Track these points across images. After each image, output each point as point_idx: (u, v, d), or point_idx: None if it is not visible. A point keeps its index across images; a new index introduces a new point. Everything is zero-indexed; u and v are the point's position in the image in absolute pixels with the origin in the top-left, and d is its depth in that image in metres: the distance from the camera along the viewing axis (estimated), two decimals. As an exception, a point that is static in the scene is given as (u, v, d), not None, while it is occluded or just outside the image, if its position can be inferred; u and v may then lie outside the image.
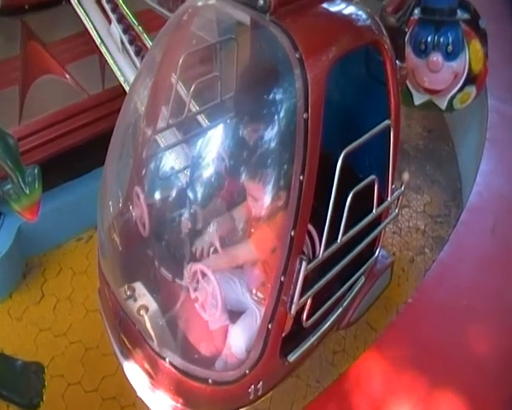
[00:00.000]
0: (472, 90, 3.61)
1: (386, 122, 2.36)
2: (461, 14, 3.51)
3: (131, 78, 3.44)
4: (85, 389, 3.11)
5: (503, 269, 2.99)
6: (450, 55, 3.45)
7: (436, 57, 3.42)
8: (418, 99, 3.66)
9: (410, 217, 4.22)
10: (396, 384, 2.45)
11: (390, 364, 2.52)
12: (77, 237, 4.05)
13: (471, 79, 3.54)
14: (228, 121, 2.74)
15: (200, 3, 2.48)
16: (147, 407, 2.50)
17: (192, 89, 2.70)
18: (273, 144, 2.33)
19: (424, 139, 4.99)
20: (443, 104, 3.64)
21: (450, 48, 3.43)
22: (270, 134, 2.35)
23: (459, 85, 3.53)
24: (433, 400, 2.38)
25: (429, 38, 3.45)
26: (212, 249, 2.40)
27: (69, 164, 3.93)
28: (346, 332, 3.30)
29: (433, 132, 5.07)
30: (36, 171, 2.27)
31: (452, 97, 3.59)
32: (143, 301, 2.42)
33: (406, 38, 3.45)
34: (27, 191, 2.24)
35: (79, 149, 3.94)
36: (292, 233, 2.01)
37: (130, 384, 2.50)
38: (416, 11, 3.52)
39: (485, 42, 3.56)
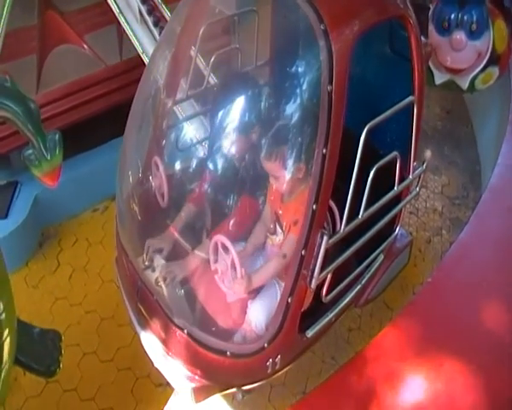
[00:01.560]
0: (495, 71, 3.57)
1: (410, 98, 2.32)
2: (486, -8, 3.46)
3: (150, 48, 3.40)
4: (101, 359, 3.14)
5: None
6: (473, 34, 3.40)
7: (459, 35, 3.38)
8: (439, 78, 3.62)
9: (428, 197, 4.19)
10: (413, 363, 2.43)
11: (408, 342, 2.50)
12: (93, 207, 4.06)
13: (494, 59, 3.50)
14: (249, 93, 2.70)
15: (221, -26, 2.44)
16: (162, 378, 2.51)
17: (212, 60, 2.67)
18: (296, 117, 2.30)
19: (443, 120, 4.93)
20: (464, 84, 3.59)
21: (474, 26, 3.38)
22: (293, 106, 2.33)
23: (482, 65, 3.49)
24: (450, 378, 2.36)
25: (453, 16, 3.40)
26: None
27: (86, 134, 3.91)
28: (361, 311, 3.30)
29: (452, 113, 5.01)
30: (57, 137, 2.24)
31: (474, 77, 3.55)
32: (161, 271, 2.41)
33: (429, 16, 3.41)
34: (48, 157, 2.22)
35: (96, 119, 3.95)
36: (314, 207, 2.00)
37: (146, 356, 2.51)
38: (439, -13, 3.48)
39: (510, 21, 3.51)
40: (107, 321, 3.33)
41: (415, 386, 2.35)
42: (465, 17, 3.36)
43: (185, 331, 2.24)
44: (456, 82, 3.60)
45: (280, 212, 2.37)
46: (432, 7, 3.45)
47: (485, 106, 4.53)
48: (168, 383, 2.70)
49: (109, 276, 3.48)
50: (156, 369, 2.50)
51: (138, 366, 3.04)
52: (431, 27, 3.42)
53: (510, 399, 2.33)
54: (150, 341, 2.42)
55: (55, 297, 3.46)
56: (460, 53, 3.41)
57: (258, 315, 2.30)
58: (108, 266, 3.49)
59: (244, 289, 2.22)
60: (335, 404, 2.34)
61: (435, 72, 3.59)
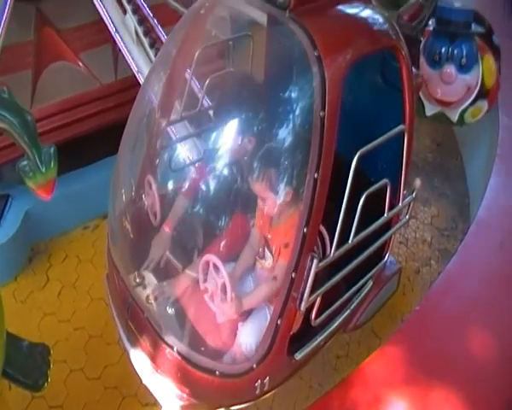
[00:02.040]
0: (484, 105, 3.61)
1: (401, 127, 2.36)
2: (475, 28, 3.53)
3: (145, 69, 3.45)
4: (88, 377, 3.11)
5: (507, 282, 2.99)
6: (463, 68, 3.45)
7: (450, 69, 3.42)
8: (430, 110, 3.66)
9: (417, 228, 4.23)
10: (399, 390, 2.45)
11: (394, 369, 2.53)
12: (83, 225, 4.06)
13: (483, 93, 3.54)
14: (242, 117, 2.74)
15: (218, -2, 2.48)
16: (149, 397, 2.50)
17: (206, 83, 2.70)
18: (287, 141, 2.34)
19: (433, 152, 5.00)
20: (454, 117, 3.64)
21: (463, 61, 3.44)
22: (285, 130, 2.36)
23: (471, 99, 3.53)
24: (436, 406, 2.38)
25: (443, 50, 3.46)
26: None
27: (79, 152, 3.92)
28: (349, 338, 3.31)
29: (442, 146, 5.09)
30: (52, 150, 2.25)
31: (464, 111, 3.60)
32: (152, 289, 2.44)
33: (420, 48, 3.46)
34: (43, 169, 2.22)
35: (90, 137, 3.96)
36: (304, 230, 2.02)
37: (133, 375, 2.50)
38: (431, 22, 3.54)
39: (498, 57, 3.57)
40: (95, 339, 3.31)
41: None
42: (455, 51, 3.41)
43: (175, 349, 2.24)
44: (447, 114, 3.64)
45: (269, 236, 2.39)
46: (423, 40, 3.51)
47: (474, 139, 4.60)
48: (155, 403, 2.69)
49: (98, 294, 3.47)
50: (143, 388, 2.50)
51: (125, 384, 3.02)
52: (422, 60, 3.46)
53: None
54: (139, 358, 2.42)
55: (43, 313, 3.44)
56: (450, 86, 3.45)
57: (249, 338, 2.31)
58: (98, 284, 3.49)
59: (234, 312, 2.24)
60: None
61: (426, 103, 3.63)
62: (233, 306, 2.21)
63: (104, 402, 3.01)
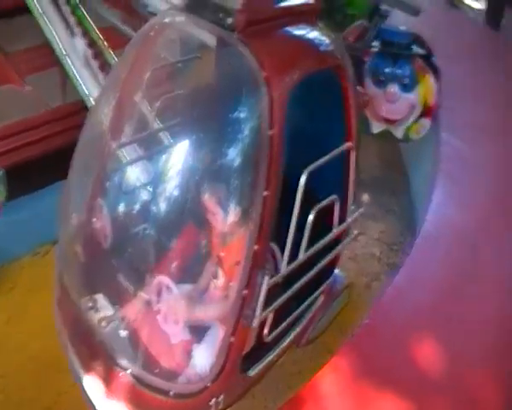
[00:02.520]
0: (426, 122, 3.78)
1: (348, 144, 2.43)
2: (416, 50, 3.68)
3: (94, 92, 3.44)
4: (41, 406, 3.03)
5: (453, 293, 3.08)
6: (406, 87, 3.61)
7: (393, 88, 3.57)
8: (376, 128, 3.80)
9: (366, 244, 4.29)
10: (349, 402, 2.48)
11: (344, 381, 2.56)
12: (33, 251, 3.97)
13: (425, 111, 3.70)
14: (192, 138, 2.77)
15: (167, 20, 2.51)
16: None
17: (156, 105, 2.72)
18: (236, 161, 2.37)
19: (380, 170, 5.10)
20: (399, 134, 3.79)
21: (406, 80, 3.59)
22: (234, 150, 2.39)
23: (414, 116, 3.68)
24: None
25: (387, 70, 3.60)
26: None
27: (27, 177, 3.85)
28: (302, 354, 3.32)
29: (389, 163, 5.20)
30: (1, 173, 2.23)
31: (408, 128, 3.75)
32: (105, 312, 2.42)
33: (365, 69, 3.59)
34: None
35: (38, 162, 3.91)
36: (255, 247, 2.05)
37: (86, 401, 2.45)
38: (375, 43, 3.68)
39: (437, 77, 3.74)
40: (47, 368, 3.21)
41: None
42: (398, 71, 3.56)
43: (128, 372, 2.23)
44: (392, 132, 3.78)
45: (222, 254, 2.41)
46: (368, 61, 3.63)
47: (418, 156, 4.74)
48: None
49: (49, 321, 3.33)
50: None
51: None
52: (367, 80, 3.60)
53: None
54: (93, 384, 2.38)
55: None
56: (394, 104, 3.60)
57: (203, 359, 2.31)
58: (48, 311, 3.41)
59: (185, 313, 2.25)
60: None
61: (372, 122, 3.76)
62: (184, 306, 2.23)
63: (57, 432, 2.93)
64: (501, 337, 2.85)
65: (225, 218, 2.32)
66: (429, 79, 3.69)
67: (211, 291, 2.48)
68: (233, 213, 2.29)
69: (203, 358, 2.32)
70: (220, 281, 2.39)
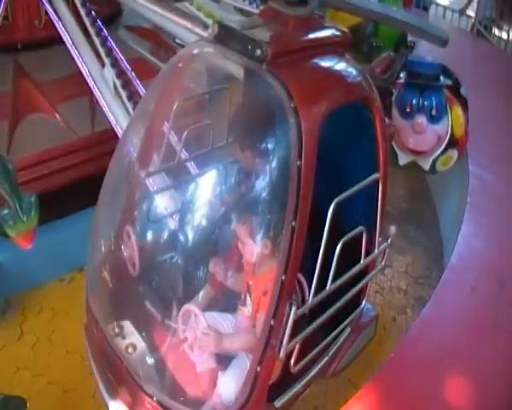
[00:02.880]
0: (454, 153, 3.73)
1: (375, 175, 2.41)
2: (444, 81, 3.67)
3: (123, 121, 3.48)
4: (62, 432, 3.03)
5: (480, 328, 3.03)
6: (433, 119, 3.57)
7: (421, 119, 3.54)
8: (403, 159, 3.76)
9: (393, 277, 4.28)
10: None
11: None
12: (59, 277, 4.03)
13: (453, 142, 3.67)
14: (220, 168, 2.78)
15: (195, 51, 2.54)
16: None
17: (184, 136, 2.74)
18: (265, 191, 2.37)
19: (407, 202, 5.10)
20: (426, 165, 3.74)
21: (433, 111, 3.56)
22: (263, 181, 2.40)
23: (442, 148, 3.65)
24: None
25: (414, 101, 3.58)
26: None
27: (55, 204, 3.87)
28: (327, 388, 3.29)
29: (416, 196, 5.18)
30: (33, 199, 2.27)
31: (435, 159, 3.71)
32: (131, 339, 2.42)
33: (392, 100, 3.58)
34: (24, 218, 2.23)
35: (66, 189, 3.97)
36: (283, 278, 2.03)
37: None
38: (402, 75, 3.67)
39: (465, 108, 3.71)
40: (70, 393, 3.26)
41: None
42: (425, 102, 3.53)
43: (154, 399, 2.22)
44: (419, 163, 3.75)
45: (250, 283, 2.39)
46: (395, 92, 3.62)
47: (446, 188, 4.71)
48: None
49: (74, 347, 3.43)
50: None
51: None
52: (394, 111, 3.58)
53: None
54: (118, 409, 2.38)
55: (16, 367, 3.39)
56: (421, 136, 3.56)
57: (228, 387, 2.29)
58: (73, 337, 3.44)
59: (212, 345, 2.22)
60: None
61: (399, 153, 3.73)
62: (211, 338, 2.20)
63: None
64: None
65: (255, 247, 2.30)
66: (457, 110, 3.66)
67: (238, 318, 2.46)
68: (263, 243, 2.28)
69: (228, 385, 2.30)
70: (248, 309, 2.37)
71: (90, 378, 2.68)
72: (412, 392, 2.65)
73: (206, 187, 2.68)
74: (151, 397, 2.23)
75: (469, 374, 2.75)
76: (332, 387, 3.29)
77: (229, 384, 2.29)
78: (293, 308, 2.05)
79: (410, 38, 5.14)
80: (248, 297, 2.38)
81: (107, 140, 3.70)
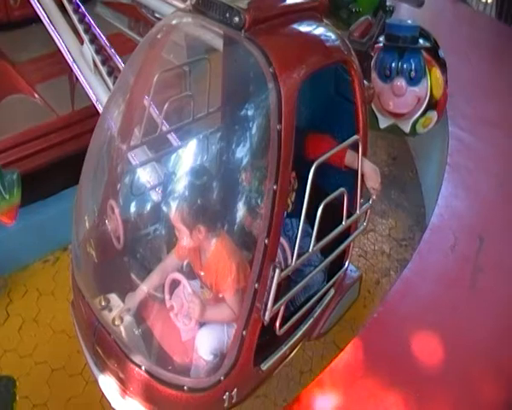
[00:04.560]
0: (433, 115, 3.75)
1: (355, 137, 2.44)
2: (422, 43, 3.68)
3: (104, 97, 3.45)
4: (51, 411, 3.05)
5: (460, 285, 3.09)
6: (412, 81, 3.59)
7: (400, 82, 3.55)
8: (383, 123, 3.78)
9: (376, 240, 4.32)
10: (357, 397, 2.50)
11: (353, 376, 2.57)
12: (44, 258, 4.01)
13: (432, 104, 3.68)
14: (201, 138, 2.79)
15: (174, 22, 2.53)
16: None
17: (165, 108, 2.75)
18: (247, 157, 2.39)
19: (389, 166, 5.14)
20: (407, 128, 3.77)
21: (412, 73, 3.58)
22: (244, 147, 2.41)
23: (422, 110, 3.67)
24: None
25: (393, 64, 3.59)
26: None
27: (37, 184, 3.88)
28: (313, 353, 3.34)
29: (398, 159, 5.23)
30: (15, 176, 2.27)
31: (415, 121, 3.73)
32: (118, 311, 2.43)
33: (372, 64, 3.59)
34: (7, 196, 2.23)
35: (48, 169, 3.95)
36: (266, 241, 2.06)
37: (97, 404, 2.52)
38: (381, 38, 3.68)
39: (444, 70, 3.73)
40: (58, 372, 3.26)
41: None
42: (404, 65, 3.55)
43: (143, 368, 2.25)
44: (399, 126, 3.77)
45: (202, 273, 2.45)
46: (374, 56, 3.64)
47: (427, 151, 4.76)
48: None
49: (60, 326, 3.44)
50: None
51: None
52: (374, 75, 3.58)
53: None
54: (108, 382, 2.41)
55: (3, 349, 3.39)
56: (401, 98, 3.58)
57: (205, 342, 2.34)
58: (59, 317, 3.47)
59: (197, 313, 2.25)
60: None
61: (379, 117, 3.75)
62: (197, 306, 2.23)
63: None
64: (508, 328, 2.86)
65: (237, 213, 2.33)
66: (436, 72, 3.67)
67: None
68: (243, 208, 2.30)
69: (205, 340, 2.35)
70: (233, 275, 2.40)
71: (78, 356, 2.72)
72: (395, 351, 2.71)
73: (189, 158, 2.68)
74: (139, 367, 2.26)
75: (450, 331, 2.81)
76: (318, 351, 3.35)
77: (206, 338, 2.34)
78: (277, 271, 2.08)
79: (389, 3, 5.15)
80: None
81: (88, 118, 3.68)
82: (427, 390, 2.53)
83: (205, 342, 2.34)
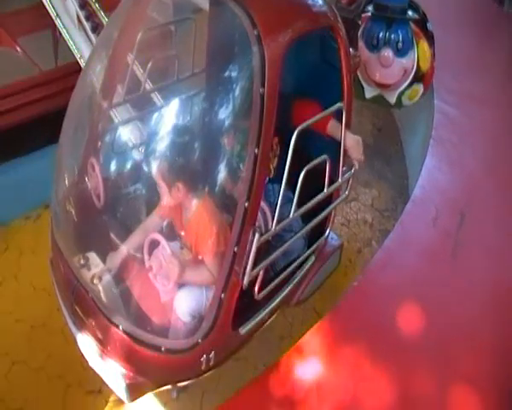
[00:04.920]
0: (419, 88, 3.75)
1: (339, 104, 2.42)
2: (411, 15, 3.66)
3: (87, 54, 3.40)
4: (30, 368, 3.05)
5: (443, 256, 3.13)
6: (400, 52, 3.58)
7: (387, 52, 3.55)
8: (369, 93, 3.78)
9: (359, 210, 4.33)
10: (336, 364, 2.54)
11: (330, 344, 2.61)
12: (25, 215, 3.95)
13: (419, 76, 3.69)
14: (184, 98, 2.76)
15: (158, -21, 2.48)
16: (94, 384, 2.49)
17: (148, 66, 2.71)
18: (229, 119, 2.37)
19: (374, 136, 5.12)
20: (392, 99, 3.77)
21: (400, 45, 3.57)
22: (227, 109, 2.39)
23: (408, 81, 3.67)
24: (374, 378, 2.48)
25: (381, 34, 3.58)
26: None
27: (19, 140, 3.83)
28: (293, 319, 3.36)
29: (383, 130, 5.22)
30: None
31: (401, 93, 3.73)
32: (97, 269, 2.43)
33: (359, 33, 3.57)
34: None
35: (30, 124, 3.87)
36: (246, 205, 2.06)
37: (77, 362, 2.51)
38: (369, 7, 3.65)
39: (432, 43, 3.72)
40: (37, 329, 3.25)
41: (337, 388, 2.45)
42: (392, 36, 3.54)
43: (120, 328, 2.25)
44: (385, 97, 3.77)
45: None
46: (362, 25, 3.61)
47: (412, 123, 4.76)
48: (100, 390, 2.72)
49: (41, 284, 3.40)
50: (88, 375, 2.51)
51: (69, 373, 2.99)
52: (361, 44, 3.57)
53: (423, 397, 2.46)
54: (86, 341, 2.41)
55: (-18, 307, 3.36)
56: (388, 69, 3.57)
57: (183, 303, 2.35)
58: (40, 275, 3.41)
59: (176, 274, 2.24)
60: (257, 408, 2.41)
61: (365, 86, 3.75)
62: (176, 267, 2.22)
63: (48, 392, 2.96)
64: (485, 302, 2.91)
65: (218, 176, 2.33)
66: (423, 45, 3.66)
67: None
68: (224, 171, 2.29)
69: (183, 301, 2.35)
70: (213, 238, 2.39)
71: (58, 314, 2.69)
72: (374, 320, 2.74)
73: (170, 117, 2.65)
74: (117, 326, 2.26)
75: (430, 302, 2.85)
76: (298, 317, 3.37)
77: (184, 299, 2.35)
78: (257, 235, 2.08)
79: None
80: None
81: (72, 74, 3.59)
82: (407, 360, 2.57)
83: (183, 303, 2.34)
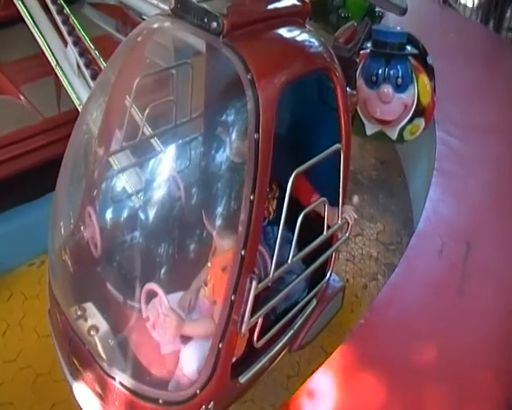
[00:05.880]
0: (421, 122, 3.74)
1: (337, 146, 2.40)
2: (410, 50, 3.67)
3: (87, 101, 3.42)
4: (35, 417, 3.01)
5: (450, 288, 3.07)
6: (399, 88, 3.58)
7: (387, 89, 3.55)
8: (370, 129, 3.78)
9: (364, 244, 4.30)
10: (345, 401, 2.48)
11: (340, 382, 2.55)
12: (29, 261, 3.97)
13: (420, 111, 3.68)
14: (182, 144, 2.76)
15: (155, 25, 2.49)
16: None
17: (146, 112, 2.71)
18: (224, 165, 2.36)
19: (377, 170, 5.12)
20: (394, 135, 3.76)
21: (399, 80, 3.57)
22: (222, 155, 2.38)
23: (409, 117, 3.66)
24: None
25: (380, 71, 3.58)
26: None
27: (22, 187, 3.87)
28: (300, 357, 3.32)
29: (386, 163, 5.21)
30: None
31: (402, 128, 3.72)
32: (94, 321, 2.40)
33: (358, 71, 3.57)
34: None
35: (33, 172, 3.90)
36: (242, 252, 2.02)
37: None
38: (368, 44, 3.66)
39: (432, 77, 3.72)
40: (42, 377, 3.23)
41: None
42: (391, 72, 3.54)
43: (117, 380, 2.21)
44: (386, 133, 3.76)
45: (209, 264, 2.41)
46: (361, 62, 3.62)
47: (415, 156, 4.75)
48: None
49: (46, 331, 3.32)
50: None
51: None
52: (360, 82, 3.57)
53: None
54: (83, 393, 2.37)
55: (-13, 355, 3.33)
56: (388, 105, 3.57)
57: (190, 360, 2.29)
58: (44, 321, 3.35)
59: (174, 328, 2.20)
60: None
61: (366, 123, 3.74)
62: (174, 321, 2.19)
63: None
64: (494, 333, 2.85)
65: (216, 224, 2.30)
66: (423, 79, 3.66)
67: (200, 300, 2.47)
68: (222, 219, 2.27)
69: (190, 358, 2.30)
70: (209, 287, 2.38)
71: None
72: (382, 357, 2.69)
73: (166, 164, 2.65)
74: (114, 379, 2.22)
75: (438, 337, 2.79)
76: (305, 356, 3.32)
77: (191, 356, 2.29)
78: (254, 283, 2.05)
79: (378, 9, 5.14)
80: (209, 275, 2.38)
81: (74, 120, 3.62)
82: (417, 396, 2.51)
83: (191, 360, 2.30)
